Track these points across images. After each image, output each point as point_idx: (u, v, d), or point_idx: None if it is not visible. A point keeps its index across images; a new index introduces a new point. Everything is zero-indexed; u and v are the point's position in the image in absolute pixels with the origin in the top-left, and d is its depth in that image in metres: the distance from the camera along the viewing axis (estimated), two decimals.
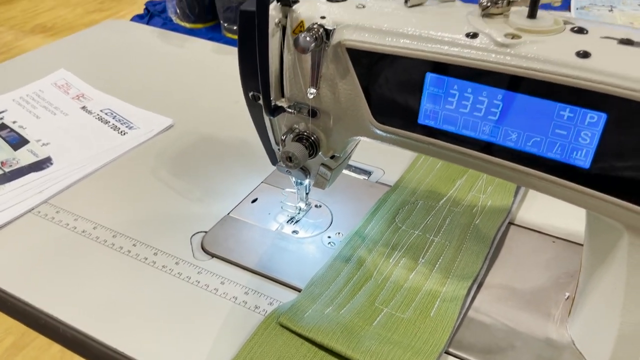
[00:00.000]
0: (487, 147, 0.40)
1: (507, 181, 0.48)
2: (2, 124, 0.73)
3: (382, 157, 0.68)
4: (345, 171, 0.67)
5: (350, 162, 0.67)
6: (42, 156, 0.68)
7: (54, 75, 0.85)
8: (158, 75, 0.88)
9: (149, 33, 1.02)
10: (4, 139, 0.70)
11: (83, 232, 0.58)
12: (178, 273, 0.53)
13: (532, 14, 0.38)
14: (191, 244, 0.56)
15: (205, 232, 0.58)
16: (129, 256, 0.55)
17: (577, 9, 1.14)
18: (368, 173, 0.67)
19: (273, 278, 0.52)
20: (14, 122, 0.74)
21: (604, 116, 0.34)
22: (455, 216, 0.59)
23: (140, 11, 1.16)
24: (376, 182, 0.66)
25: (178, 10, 1.08)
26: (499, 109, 0.38)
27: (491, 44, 0.37)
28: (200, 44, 0.98)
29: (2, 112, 0.76)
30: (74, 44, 0.99)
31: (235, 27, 1.02)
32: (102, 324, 0.48)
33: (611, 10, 1.14)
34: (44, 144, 0.70)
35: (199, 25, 1.08)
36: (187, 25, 1.08)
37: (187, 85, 0.85)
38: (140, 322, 0.48)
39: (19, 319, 0.51)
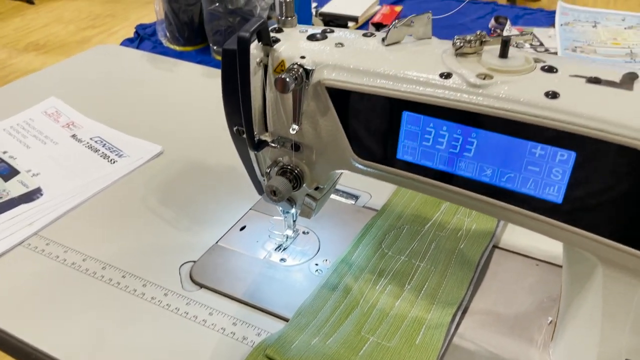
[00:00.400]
0: (464, 182, 0.41)
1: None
2: None
3: (369, 181, 0.68)
4: (333, 196, 0.68)
5: (338, 187, 0.68)
6: (32, 187, 0.69)
7: (44, 103, 0.86)
8: (148, 101, 0.89)
9: (139, 57, 1.03)
10: None
11: (73, 264, 0.58)
12: (167, 304, 0.54)
13: (503, 54, 0.39)
14: (180, 274, 0.57)
15: (194, 261, 0.58)
16: (118, 288, 0.56)
17: (561, 25, 1.15)
18: (355, 197, 0.68)
19: (261, 308, 0.53)
20: (5, 153, 0.75)
21: (573, 154, 0.35)
22: (441, 240, 0.60)
23: (133, 27, 1.17)
24: (363, 206, 0.67)
25: (168, 34, 1.09)
26: (474, 145, 0.39)
27: (464, 84, 0.38)
28: (189, 68, 0.99)
29: None
30: (65, 70, 1.00)
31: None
32: (93, 358, 0.49)
33: (595, 26, 1.16)
34: (34, 175, 0.71)
35: (189, 48, 1.09)
36: (177, 48, 1.09)
37: (177, 110, 0.87)
38: (131, 356, 0.49)
39: (9, 354, 0.52)
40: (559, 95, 0.36)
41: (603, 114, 0.34)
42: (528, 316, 0.52)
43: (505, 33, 1.11)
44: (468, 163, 0.40)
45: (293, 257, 0.59)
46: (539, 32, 1.14)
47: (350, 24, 1.17)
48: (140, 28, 1.16)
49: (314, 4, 1.24)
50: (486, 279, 0.57)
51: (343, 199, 0.68)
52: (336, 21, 1.17)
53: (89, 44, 2.82)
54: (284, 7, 0.47)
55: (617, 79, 0.37)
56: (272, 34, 0.47)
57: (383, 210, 0.64)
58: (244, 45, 0.42)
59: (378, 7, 1.24)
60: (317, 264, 0.58)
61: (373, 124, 0.43)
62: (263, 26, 0.44)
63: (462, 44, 0.40)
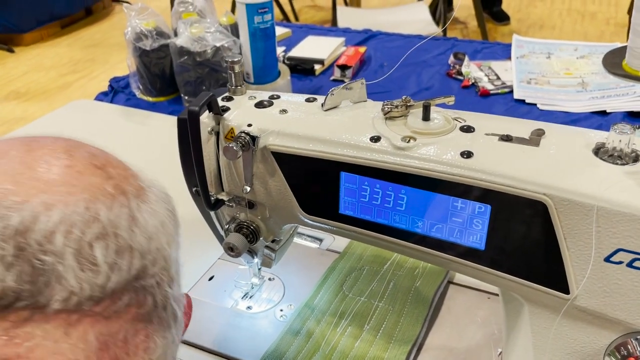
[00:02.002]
0: (400, 233, 0.45)
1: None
2: None
3: None
4: (298, 240, 0.71)
5: (303, 230, 0.72)
6: None
7: None
8: (120, 154, 0.92)
9: (112, 112, 1.07)
10: None
11: None
12: None
13: (425, 117, 0.43)
14: None
15: None
16: None
17: (517, 57, 1.22)
18: (319, 240, 0.72)
19: (228, 356, 0.56)
20: None
21: (488, 207, 0.40)
22: (399, 279, 0.64)
23: (114, 71, 1.22)
24: (327, 249, 0.70)
25: (140, 86, 1.14)
26: (404, 201, 0.43)
27: (390, 147, 0.42)
28: (161, 120, 1.03)
29: None
30: (41, 128, 1.03)
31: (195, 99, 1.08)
32: None
33: (549, 57, 1.22)
34: None
35: (162, 99, 1.13)
36: (150, 99, 1.13)
37: (148, 162, 0.89)
38: None
39: None
40: (474, 154, 0.40)
41: (512, 171, 0.39)
42: (480, 349, 0.56)
43: (463, 69, 1.17)
44: (401, 216, 0.44)
45: (259, 304, 0.62)
46: (496, 65, 1.20)
47: (316, 66, 1.22)
48: (114, 81, 1.21)
49: (282, 49, 1.29)
50: (441, 314, 0.60)
51: (308, 243, 0.71)
52: (303, 65, 1.22)
53: (70, 89, 2.86)
54: (233, 77, 0.52)
55: (527, 135, 0.41)
56: (222, 103, 0.51)
57: (345, 253, 0.68)
58: (194, 118, 0.46)
59: (343, 48, 1.30)
60: (282, 310, 0.61)
61: (316, 183, 0.47)
62: (212, 99, 0.48)
63: (389, 109, 0.44)
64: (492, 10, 3.28)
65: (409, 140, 0.42)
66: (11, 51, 3.25)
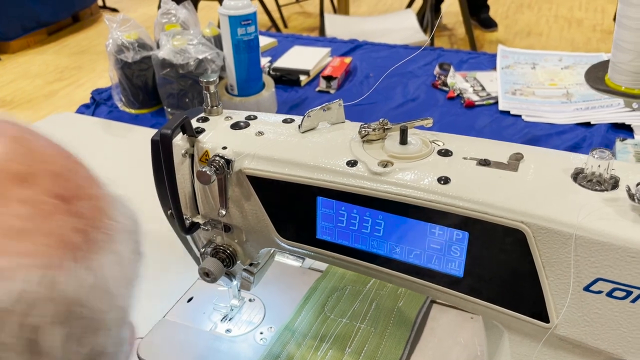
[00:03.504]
0: (378, 259, 0.43)
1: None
2: None
3: None
4: (280, 258, 0.70)
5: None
6: None
7: None
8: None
9: (93, 125, 1.06)
10: None
11: None
12: None
13: (403, 141, 0.42)
14: None
15: (141, 338, 0.60)
16: None
17: (502, 68, 1.21)
18: (302, 259, 0.70)
19: None
20: None
21: (466, 234, 0.39)
22: (381, 299, 0.62)
23: (100, 79, 1.20)
24: (309, 267, 0.69)
25: (123, 98, 1.12)
26: (382, 227, 0.42)
27: (367, 172, 0.41)
28: (143, 133, 1.02)
29: None
30: None
31: (178, 111, 1.06)
32: None
33: (534, 67, 1.22)
34: None
35: (144, 111, 1.12)
36: (132, 111, 1.12)
37: (129, 178, 0.88)
38: None
39: None
40: (450, 180, 0.39)
41: (489, 197, 0.38)
42: None
43: (449, 79, 1.16)
44: (379, 242, 0.43)
45: (239, 327, 0.61)
46: (482, 76, 1.19)
47: (302, 77, 1.21)
48: (96, 93, 1.19)
49: (267, 59, 1.28)
50: (424, 335, 0.59)
51: (289, 261, 0.70)
52: (288, 76, 1.21)
53: (56, 97, 2.83)
54: (208, 97, 0.51)
55: (505, 159, 0.41)
56: (198, 124, 0.50)
57: (327, 272, 0.67)
58: (167, 141, 0.45)
59: (329, 59, 1.29)
60: (262, 332, 0.60)
61: (292, 208, 0.46)
62: (185, 121, 0.47)
63: (367, 132, 0.44)
64: (479, 17, 3.29)
65: (386, 165, 0.41)
66: None
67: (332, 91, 1.17)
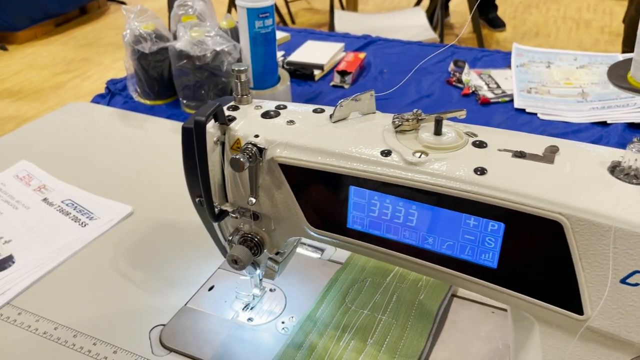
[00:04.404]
0: (409, 249, 0.44)
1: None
2: None
3: None
4: (299, 249, 0.70)
5: (304, 240, 0.71)
6: (4, 255, 0.70)
7: (15, 167, 0.87)
8: (118, 159, 0.91)
9: (109, 115, 1.06)
10: None
11: (44, 333, 0.60)
12: None
13: (437, 132, 0.43)
14: (150, 338, 0.59)
15: (164, 325, 0.60)
16: (89, 356, 0.57)
17: (517, 66, 1.21)
18: (321, 250, 0.71)
19: None
20: None
21: (502, 225, 0.39)
22: (402, 292, 0.63)
23: (108, 71, 1.20)
24: (329, 259, 0.69)
25: (138, 89, 1.12)
26: (415, 217, 0.42)
27: (402, 162, 0.42)
28: (159, 124, 1.02)
29: None
30: (36, 131, 1.02)
31: (194, 104, 1.07)
32: None
33: (548, 66, 1.22)
34: (5, 242, 0.72)
35: (159, 102, 1.12)
36: (148, 102, 1.12)
37: (147, 168, 0.89)
38: None
39: None
40: (487, 171, 0.39)
41: (526, 188, 0.38)
42: None
43: (463, 77, 1.16)
44: (411, 232, 0.43)
45: (260, 316, 0.61)
46: (496, 73, 1.19)
47: (316, 72, 1.21)
48: (111, 83, 1.19)
49: (280, 53, 1.28)
50: (445, 328, 0.59)
51: (309, 253, 0.70)
52: (302, 70, 1.21)
53: (63, 89, 2.83)
54: (239, 86, 0.51)
55: (540, 151, 0.41)
56: (228, 112, 0.50)
57: (347, 264, 0.67)
58: (201, 128, 0.45)
59: (343, 54, 1.29)
60: (283, 322, 0.60)
61: (324, 196, 0.46)
62: (218, 109, 0.47)
63: (400, 122, 0.44)
64: (487, 16, 3.29)
65: (421, 155, 0.41)
66: (4, 49, 3.22)
67: (346, 86, 1.17)
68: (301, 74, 1.21)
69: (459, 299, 0.63)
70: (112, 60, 3.06)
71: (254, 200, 0.48)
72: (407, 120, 0.44)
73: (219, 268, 0.68)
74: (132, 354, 0.57)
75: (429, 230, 0.42)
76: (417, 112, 0.44)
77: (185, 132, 0.49)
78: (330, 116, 0.47)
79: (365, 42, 1.40)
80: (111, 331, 0.60)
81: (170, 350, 0.57)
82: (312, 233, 0.48)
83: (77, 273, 0.68)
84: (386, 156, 0.42)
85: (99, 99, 1.14)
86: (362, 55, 1.27)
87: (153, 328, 0.60)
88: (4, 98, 2.75)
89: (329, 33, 1.53)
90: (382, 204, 0.43)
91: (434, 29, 2.44)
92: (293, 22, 3.37)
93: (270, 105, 0.51)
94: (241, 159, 0.45)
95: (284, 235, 0.51)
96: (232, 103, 0.52)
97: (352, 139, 0.45)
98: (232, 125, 0.48)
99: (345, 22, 2.33)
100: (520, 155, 0.40)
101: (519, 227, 0.38)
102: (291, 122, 0.48)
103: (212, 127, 0.48)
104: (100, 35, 3.49)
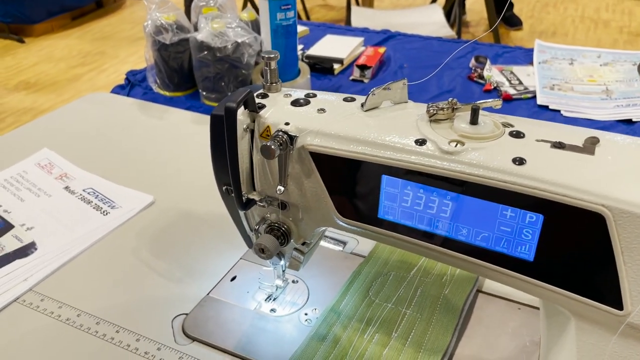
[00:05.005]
0: (442, 241, 0.43)
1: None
2: None
3: None
4: (321, 242, 0.70)
5: (326, 233, 0.70)
6: (26, 241, 0.70)
7: (37, 155, 0.88)
8: (139, 149, 0.91)
9: (129, 105, 1.06)
10: None
11: (67, 320, 0.60)
12: None
13: (473, 121, 0.42)
14: (172, 327, 0.58)
15: (186, 314, 0.60)
16: (112, 344, 0.57)
17: (539, 63, 1.20)
18: (343, 243, 0.70)
19: None
20: None
21: (541, 217, 0.38)
22: (426, 286, 0.62)
23: (124, 65, 1.20)
24: (351, 252, 0.69)
25: (158, 80, 1.12)
26: (449, 207, 0.41)
27: (437, 151, 0.41)
28: (179, 115, 1.02)
29: None
30: (57, 120, 1.02)
31: (213, 95, 1.06)
32: None
33: (571, 63, 1.20)
34: (28, 229, 0.72)
35: (179, 94, 1.12)
36: (167, 93, 1.12)
37: (167, 158, 0.89)
38: None
39: None
40: (526, 161, 0.38)
41: (567, 179, 0.37)
42: None
43: (485, 72, 1.15)
44: (445, 223, 0.42)
45: (283, 307, 0.60)
46: (518, 70, 1.18)
47: (335, 65, 1.20)
48: (131, 74, 1.19)
49: (299, 47, 1.27)
50: (471, 324, 0.58)
51: (331, 245, 0.70)
52: (322, 64, 1.20)
53: (80, 81, 2.85)
54: (268, 73, 0.50)
55: (580, 143, 0.40)
56: (257, 100, 0.49)
57: (370, 257, 0.66)
58: (232, 114, 0.45)
59: (362, 48, 1.28)
60: (306, 314, 0.60)
61: (355, 185, 0.45)
62: (249, 95, 0.46)
63: (435, 111, 0.43)
64: (504, 15, 3.26)
65: (457, 145, 0.41)
66: (22, 42, 3.25)
67: (366, 80, 1.16)
68: (321, 67, 1.20)
69: (484, 295, 0.62)
70: (128, 54, 3.08)
71: (282, 189, 0.48)
72: (442, 109, 0.43)
73: (241, 259, 0.67)
74: (154, 342, 0.57)
75: (463, 221, 0.41)
76: (453, 101, 0.43)
77: (215, 119, 0.48)
78: (362, 105, 0.47)
79: (384, 37, 1.39)
80: (134, 319, 0.59)
81: (193, 339, 0.57)
82: (341, 223, 0.48)
83: (99, 261, 0.68)
84: (421, 145, 0.41)
85: (118, 90, 1.15)
86: (382, 49, 1.26)
87: (176, 317, 0.60)
88: (20, 90, 2.77)
89: (347, 27, 1.53)
90: (415, 194, 0.42)
91: (451, 26, 2.42)
92: (308, 18, 3.36)
93: (299, 93, 0.50)
94: (272, 146, 0.44)
95: (312, 225, 0.51)
96: (261, 91, 0.51)
97: (385, 127, 0.44)
98: (262, 112, 0.48)
99: (362, 18, 2.32)
100: (559, 146, 0.40)
101: (559, 219, 0.37)
102: (322, 110, 0.47)
103: (241, 114, 0.48)
104: (117, 29, 3.50)
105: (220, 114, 0.46)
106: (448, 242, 0.43)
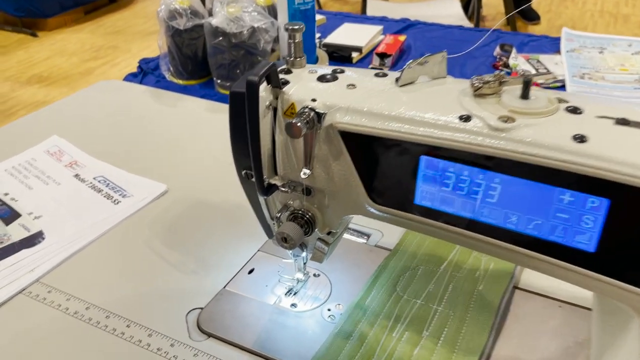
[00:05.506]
0: (488, 229, 0.39)
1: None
2: None
3: None
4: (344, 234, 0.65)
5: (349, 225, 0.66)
6: (33, 230, 0.67)
7: (46, 142, 0.84)
8: (151, 137, 0.87)
9: (142, 93, 1.02)
10: None
11: (75, 313, 0.56)
12: (174, 356, 0.51)
13: (525, 95, 0.37)
14: (187, 322, 0.55)
15: (201, 308, 0.56)
16: (122, 339, 0.53)
17: (567, 51, 1.15)
18: (367, 236, 0.66)
19: (272, 359, 0.50)
20: (6, 195, 0.73)
21: (606, 201, 0.33)
22: (458, 282, 0.58)
23: (135, 59, 1.17)
24: (375, 245, 0.64)
25: (171, 68, 1.09)
26: (497, 191, 0.37)
27: (485, 128, 0.36)
28: (193, 103, 0.98)
29: None
30: (68, 107, 0.99)
31: (228, 83, 1.03)
32: None
33: (601, 52, 1.15)
34: (35, 217, 0.69)
35: (192, 82, 1.08)
36: (181, 82, 1.08)
37: (181, 146, 0.85)
38: None
39: None
40: (587, 138, 0.34)
41: (636, 158, 0.32)
42: None
43: (511, 61, 1.10)
44: (492, 209, 0.38)
45: (304, 302, 0.56)
46: (545, 59, 1.13)
47: (354, 54, 1.16)
48: (144, 62, 1.16)
49: (317, 35, 1.23)
50: (508, 322, 0.54)
51: (354, 238, 0.66)
52: (340, 52, 1.16)
53: (92, 75, 2.83)
54: (292, 47, 0.46)
55: None
56: (280, 76, 0.45)
57: (396, 250, 0.62)
58: (253, 89, 0.41)
59: (382, 36, 1.24)
60: (329, 309, 0.56)
61: (389, 168, 0.41)
62: (272, 69, 0.42)
63: (480, 85, 0.38)
64: (522, 9, 3.19)
65: (507, 121, 0.36)
66: (35, 35, 3.24)
67: (385, 69, 1.12)
68: (338, 56, 1.16)
69: (521, 291, 0.57)
70: (140, 48, 3.06)
71: (308, 173, 0.44)
72: (488, 82, 0.38)
73: (258, 250, 0.63)
74: (168, 338, 0.53)
75: (513, 207, 0.37)
76: (500, 74, 0.39)
77: (235, 97, 0.44)
78: (396, 80, 0.42)
79: (403, 26, 1.35)
80: (145, 313, 0.56)
81: (209, 335, 0.53)
82: (373, 210, 0.43)
83: (110, 252, 0.65)
84: (465, 121, 0.37)
85: (131, 78, 1.11)
86: (402, 37, 1.21)
87: (190, 311, 0.56)
88: (33, 83, 2.76)
89: (365, 16, 1.48)
90: (458, 177, 0.38)
91: (469, 18, 2.37)
92: None
93: (325, 69, 0.46)
94: (298, 124, 0.40)
95: (339, 213, 0.47)
96: (284, 66, 0.47)
97: (423, 103, 0.40)
98: (286, 89, 0.44)
99: (377, 11, 2.27)
100: (623, 122, 0.35)
101: (627, 204, 0.33)
102: (351, 85, 0.43)
103: (263, 90, 0.44)
104: (129, 24, 3.48)
105: (241, 90, 0.42)
106: (494, 231, 0.38)
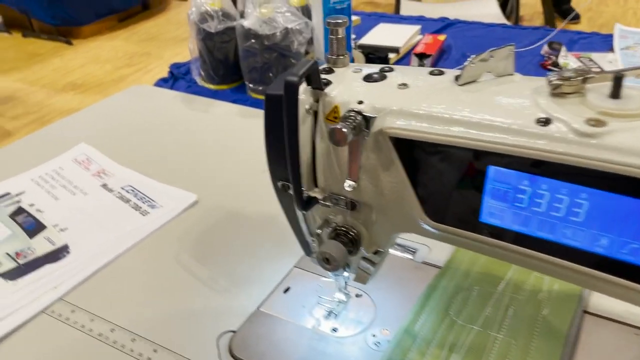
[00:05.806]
0: (570, 253, 0.33)
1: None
2: (19, 207, 0.70)
3: None
4: None
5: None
6: (59, 244, 0.63)
7: (74, 150, 0.82)
8: (182, 144, 0.84)
9: (173, 98, 0.99)
10: (20, 225, 0.66)
11: (100, 335, 0.52)
12: None
13: (616, 94, 0.31)
14: (218, 347, 0.50)
15: (234, 331, 0.51)
16: None
17: (621, 49, 1.06)
18: (413, 251, 0.60)
19: None
20: (32, 205, 0.70)
21: None
22: (519, 305, 0.51)
23: (167, 65, 1.14)
24: (422, 262, 0.59)
25: (202, 72, 1.05)
26: (584, 209, 0.31)
27: (569, 133, 0.30)
28: (224, 108, 0.94)
29: (20, 193, 0.72)
30: (99, 113, 0.96)
31: (260, 88, 0.98)
32: None
33: None
34: (61, 230, 0.66)
35: (224, 87, 1.05)
36: (212, 86, 1.05)
37: (212, 154, 0.81)
38: None
39: None
40: None
41: None
42: None
43: (560, 60, 1.03)
44: (576, 230, 0.32)
45: (346, 326, 0.51)
46: (597, 57, 1.05)
47: (391, 55, 1.10)
48: (175, 67, 1.13)
49: (352, 36, 1.18)
50: (578, 352, 0.47)
51: (399, 253, 0.60)
52: (376, 53, 1.11)
53: (125, 82, 2.85)
54: (334, 43, 0.41)
55: None
56: (322, 75, 0.40)
57: (447, 268, 0.56)
58: (293, 90, 0.36)
59: (420, 36, 1.18)
60: (374, 335, 0.50)
61: (449, 180, 0.35)
62: (314, 68, 0.37)
63: (560, 82, 0.33)
64: (560, 8, 3.08)
65: (597, 124, 0.30)
66: (70, 43, 3.29)
67: None
68: (375, 57, 1.10)
69: (592, 316, 0.51)
70: (173, 55, 3.07)
71: (353, 185, 0.38)
72: (569, 79, 0.33)
73: (294, 267, 0.58)
74: None
75: (605, 228, 0.31)
76: (582, 69, 0.33)
77: (270, 100, 0.39)
78: (456, 78, 0.37)
79: (442, 25, 1.29)
80: (174, 337, 0.51)
81: None
82: (428, 228, 0.38)
83: (137, 267, 0.61)
84: (544, 125, 0.31)
85: (161, 83, 1.08)
86: (442, 37, 1.15)
87: (222, 334, 0.51)
88: (68, 91, 2.79)
89: (401, 16, 1.43)
90: (535, 191, 0.32)
91: (507, 18, 2.29)
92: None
93: (372, 68, 0.41)
94: (343, 129, 0.35)
95: (388, 230, 0.41)
96: (324, 66, 0.42)
97: (490, 104, 0.34)
98: (328, 90, 0.39)
99: (411, 12, 2.21)
100: None
101: None
102: (403, 85, 0.38)
103: (302, 92, 0.39)
104: (162, 30, 3.51)
105: (278, 93, 0.37)
106: (579, 256, 0.32)
